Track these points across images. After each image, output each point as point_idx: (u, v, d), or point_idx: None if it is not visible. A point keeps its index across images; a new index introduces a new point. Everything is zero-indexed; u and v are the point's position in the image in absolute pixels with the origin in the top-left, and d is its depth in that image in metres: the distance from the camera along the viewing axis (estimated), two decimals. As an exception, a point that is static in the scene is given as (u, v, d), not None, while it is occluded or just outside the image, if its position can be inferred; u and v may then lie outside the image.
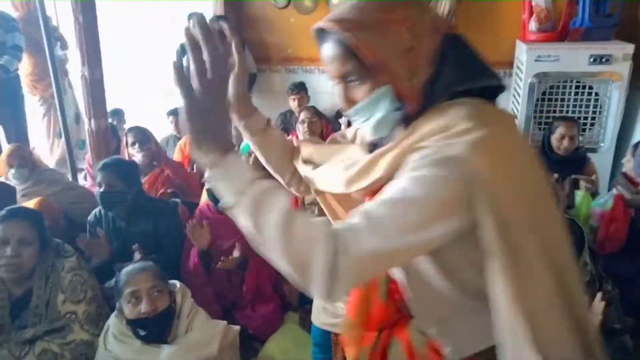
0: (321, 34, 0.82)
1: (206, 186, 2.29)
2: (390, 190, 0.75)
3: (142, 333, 1.56)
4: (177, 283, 1.73)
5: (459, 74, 0.78)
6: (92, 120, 2.61)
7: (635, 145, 2.44)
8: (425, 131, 0.76)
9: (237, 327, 1.77)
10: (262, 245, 0.73)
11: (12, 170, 2.69)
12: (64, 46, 4.25)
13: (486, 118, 0.75)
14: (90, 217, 2.27)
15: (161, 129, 4.07)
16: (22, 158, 2.73)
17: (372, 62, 0.77)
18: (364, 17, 0.77)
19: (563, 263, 0.78)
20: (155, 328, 1.56)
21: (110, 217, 2.21)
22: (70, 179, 3.01)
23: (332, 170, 0.94)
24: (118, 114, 4.10)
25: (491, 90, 0.83)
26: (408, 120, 0.80)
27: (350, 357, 1.05)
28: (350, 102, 0.82)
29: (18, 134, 3.57)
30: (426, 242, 0.74)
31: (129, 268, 1.64)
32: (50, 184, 2.72)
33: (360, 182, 0.83)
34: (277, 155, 1.07)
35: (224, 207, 0.75)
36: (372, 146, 0.89)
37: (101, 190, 2.13)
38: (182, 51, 4.37)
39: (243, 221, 0.74)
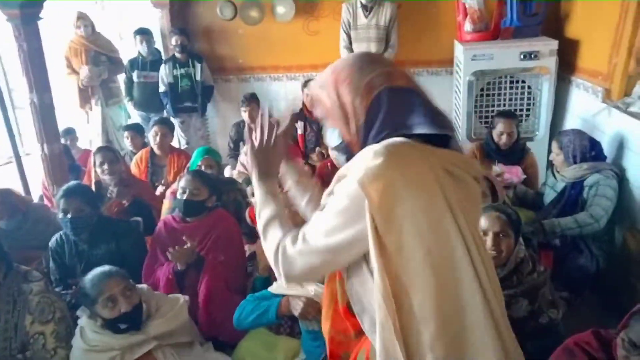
0: None
1: (170, 202, 2.37)
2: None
3: (123, 327, 1.72)
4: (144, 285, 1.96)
5: (388, 122, 0.96)
6: (45, 145, 2.61)
7: (556, 139, 2.64)
8: (354, 160, 0.97)
9: (186, 297, 2.03)
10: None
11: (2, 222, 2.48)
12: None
13: (392, 151, 0.91)
14: (52, 243, 2.28)
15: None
16: (9, 204, 2.49)
17: (322, 110, 1.06)
18: (322, 77, 1.07)
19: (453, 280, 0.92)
20: (135, 318, 1.75)
21: (72, 242, 2.23)
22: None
23: None
24: (70, 133, 4.05)
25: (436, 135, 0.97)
26: (350, 154, 1.03)
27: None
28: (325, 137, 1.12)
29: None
30: (340, 245, 0.94)
31: (94, 277, 1.75)
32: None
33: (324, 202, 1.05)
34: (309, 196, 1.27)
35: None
36: None
37: (69, 216, 2.15)
38: (130, 67, 4.37)
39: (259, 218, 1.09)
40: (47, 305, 1.76)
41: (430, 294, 0.89)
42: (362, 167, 0.90)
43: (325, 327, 1.21)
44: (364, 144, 0.99)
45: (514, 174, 2.82)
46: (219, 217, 2.40)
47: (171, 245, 2.19)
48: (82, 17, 4.19)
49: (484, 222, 1.80)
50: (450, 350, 0.89)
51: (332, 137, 1.07)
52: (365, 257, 0.95)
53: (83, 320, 1.77)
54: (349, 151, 1.04)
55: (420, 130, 0.95)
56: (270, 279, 2.18)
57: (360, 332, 1.10)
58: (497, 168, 2.82)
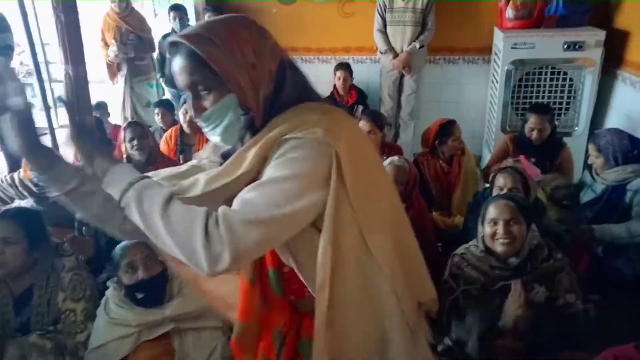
0: (171, 48, 0.90)
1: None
2: (261, 179, 0.86)
3: (139, 296, 1.71)
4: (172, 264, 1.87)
5: (296, 91, 0.94)
6: (78, 118, 2.63)
7: (592, 141, 2.45)
8: (285, 127, 0.88)
9: None
10: (151, 235, 0.82)
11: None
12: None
13: (329, 109, 0.95)
14: (78, 215, 2.30)
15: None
16: None
17: (221, 73, 0.86)
18: (213, 34, 0.87)
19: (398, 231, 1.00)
20: (153, 290, 1.73)
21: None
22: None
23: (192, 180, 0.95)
24: (102, 107, 4.11)
25: None
26: (253, 127, 0.92)
27: None
28: (200, 109, 0.91)
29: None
30: (295, 215, 0.83)
31: (122, 244, 1.80)
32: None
33: (224, 179, 0.88)
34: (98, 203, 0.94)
35: (121, 206, 0.84)
36: (225, 157, 0.97)
37: None
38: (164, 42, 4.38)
39: (133, 216, 0.82)
40: (78, 283, 1.80)
41: (387, 235, 0.96)
42: (316, 128, 0.86)
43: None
44: (267, 113, 0.91)
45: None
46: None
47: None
48: (117, -8, 4.19)
49: (493, 211, 1.72)
50: (409, 282, 1.00)
51: (224, 107, 0.89)
52: (317, 226, 0.90)
53: (109, 291, 1.80)
54: (252, 123, 0.92)
55: (322, 99, 1.00)
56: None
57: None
58: (510, 160, 2.59)
